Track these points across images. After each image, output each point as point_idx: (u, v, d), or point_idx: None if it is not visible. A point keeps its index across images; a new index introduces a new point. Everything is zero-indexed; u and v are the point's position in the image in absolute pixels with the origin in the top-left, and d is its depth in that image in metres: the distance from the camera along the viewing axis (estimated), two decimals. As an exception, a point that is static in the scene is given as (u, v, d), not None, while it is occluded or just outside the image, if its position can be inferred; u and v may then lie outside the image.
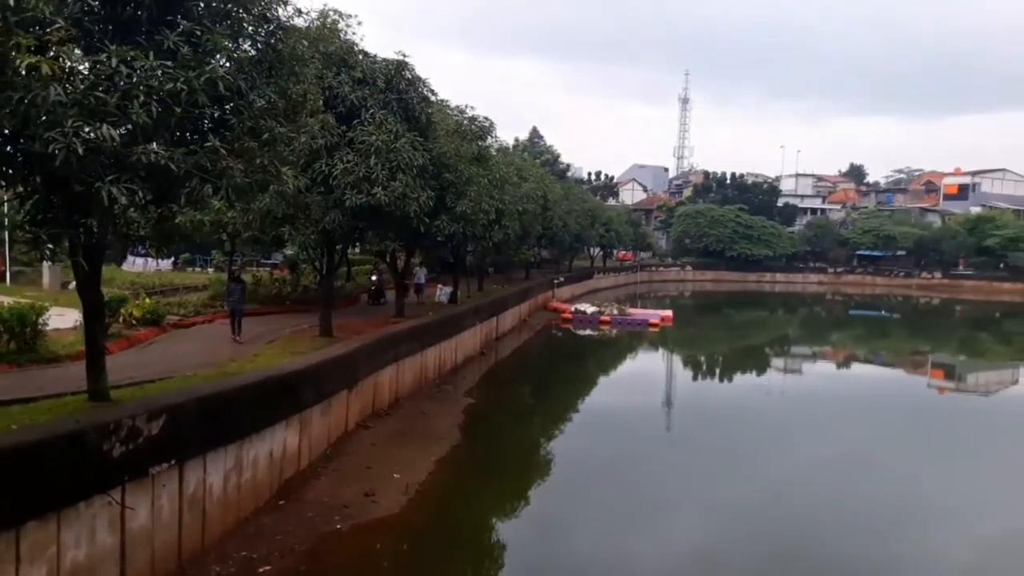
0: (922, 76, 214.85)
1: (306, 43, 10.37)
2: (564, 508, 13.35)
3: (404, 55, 17.47)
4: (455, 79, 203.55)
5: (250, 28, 9.06)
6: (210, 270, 33.78)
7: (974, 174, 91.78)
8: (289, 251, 27.29)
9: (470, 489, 13.80)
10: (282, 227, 16.92)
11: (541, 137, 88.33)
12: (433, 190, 17.37)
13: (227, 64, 8.50)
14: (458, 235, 20.02)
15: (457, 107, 22.01)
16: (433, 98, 19.11)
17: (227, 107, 8.69)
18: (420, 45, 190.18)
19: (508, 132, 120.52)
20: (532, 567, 11.14)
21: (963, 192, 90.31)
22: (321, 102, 12.80)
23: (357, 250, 32.42)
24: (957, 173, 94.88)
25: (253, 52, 9.20)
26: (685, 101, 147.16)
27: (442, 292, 27.53)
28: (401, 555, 10.76)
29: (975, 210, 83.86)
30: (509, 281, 39.70)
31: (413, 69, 17.74)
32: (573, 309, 40.43)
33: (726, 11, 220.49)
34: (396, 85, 17.05)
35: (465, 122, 21.53)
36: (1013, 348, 41.64)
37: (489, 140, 23.18)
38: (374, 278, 27.85)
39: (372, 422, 16.14)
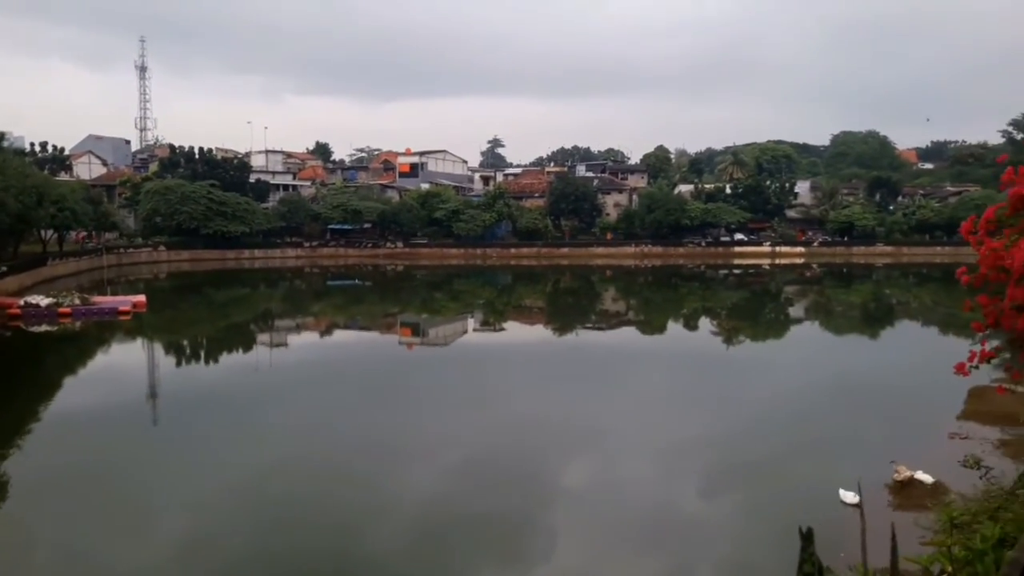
0: (370, 62, 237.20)
1: None
2: (26, 528, 11.45)
3: None
4: None
5: None
6: None
7: (421, 154, 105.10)
8: None
9: None
10: None
11: (-42, 98, 72.44)
12: None
13: None
14: None
15: None
16: None
17: None
18: None
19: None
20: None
21: (414, 170, 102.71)
22: None
23: None
24: (408, 153, 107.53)
25: None
26: (143, 69, 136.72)
27: None
28: None
29: (425, 186, 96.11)
30: (-74, 275, 31.93)
31: None
32: (22, 303, 34.48)
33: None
34: None
35: None
36: (461, 303, 49.24)
37: None
38: None
39: None
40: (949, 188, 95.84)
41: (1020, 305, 7.23)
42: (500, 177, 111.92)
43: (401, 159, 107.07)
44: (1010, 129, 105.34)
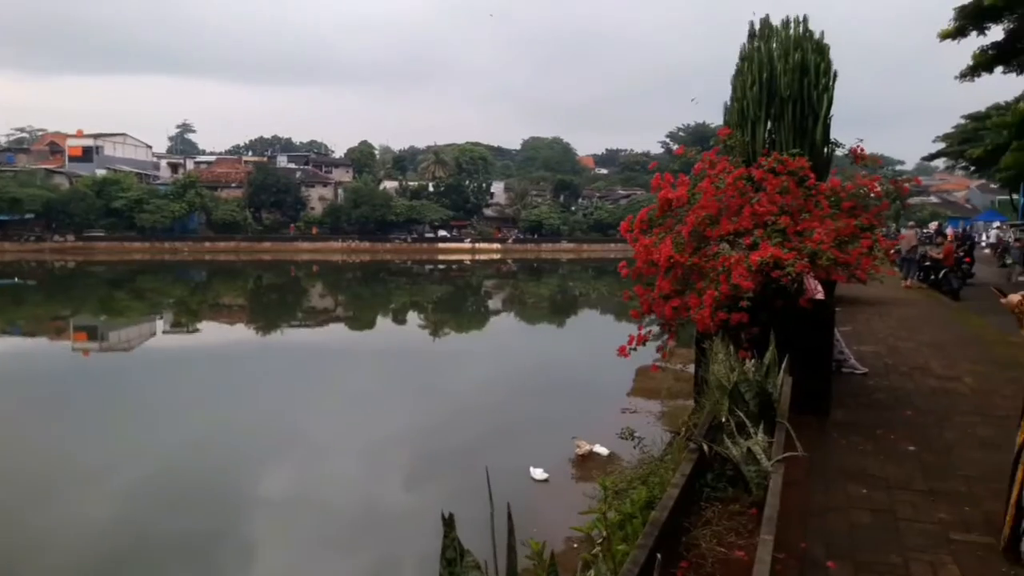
0: (30, 30, 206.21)
1: None
2: None
3: None
4: None
5: None
6: None
7: (96, 137, 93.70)
8: None
9: None
10: None
11: None
12: None
13: None
14: None
15: None
16: None
17: None
18: None
19: None
20: None
21: (88, 154, 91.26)
22: None
23: None
24: (79, 135, 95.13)
25: None
26: None
27: None
28: None
29: (101, 172, 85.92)
30: None
31: None
32: None
33: None
34: None
35: None
36: (147, 303, 44.85)
37: None
38: None
39: None
40: (620, 191, 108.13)
41: (667, 294, 8.42)
42: (191, 165, 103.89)
43: (71, 141, 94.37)
44: (667, 140, 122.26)
